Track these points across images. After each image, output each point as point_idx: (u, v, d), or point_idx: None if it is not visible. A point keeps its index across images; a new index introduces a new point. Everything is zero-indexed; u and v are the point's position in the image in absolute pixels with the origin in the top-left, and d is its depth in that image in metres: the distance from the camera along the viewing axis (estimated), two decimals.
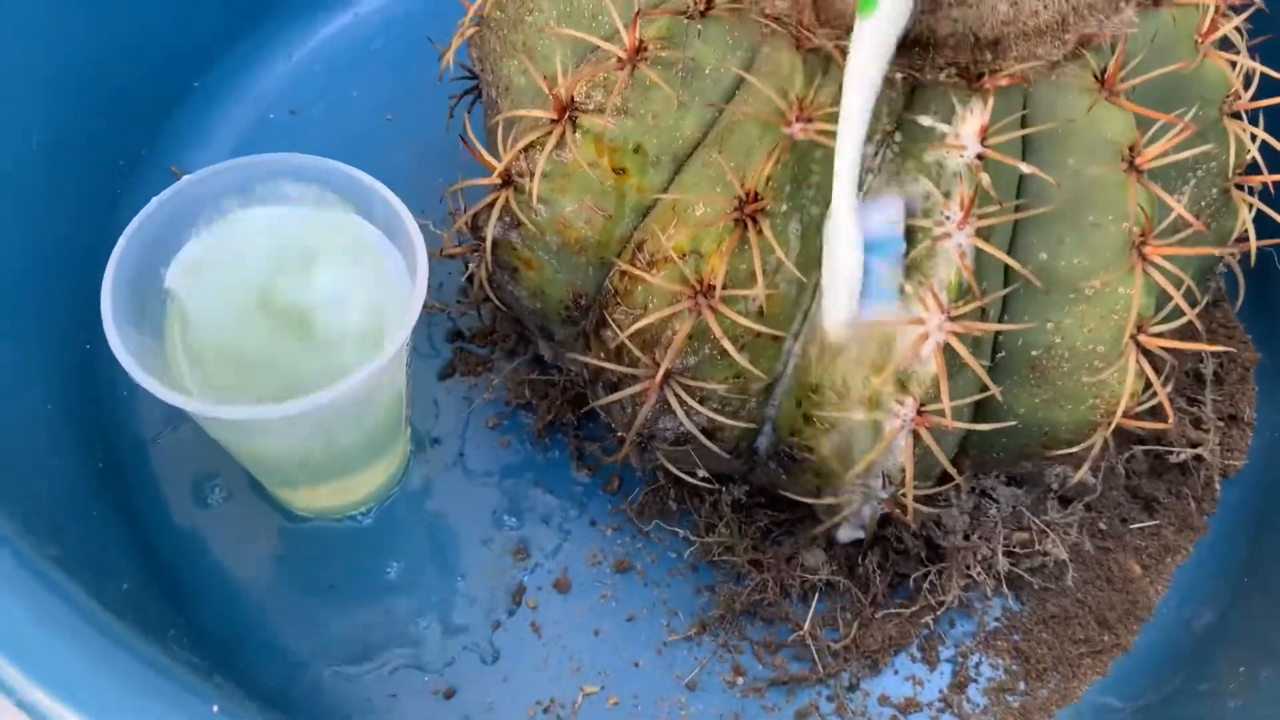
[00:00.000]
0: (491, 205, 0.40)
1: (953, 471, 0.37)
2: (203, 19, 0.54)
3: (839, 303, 0.34)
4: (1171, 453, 0.47)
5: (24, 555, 0.28)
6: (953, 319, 0.33)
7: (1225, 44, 0.38)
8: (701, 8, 0.34)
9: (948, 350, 0.34)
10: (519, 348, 0.50)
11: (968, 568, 0.42)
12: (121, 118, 0.51)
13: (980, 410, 0.38)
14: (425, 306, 0.49)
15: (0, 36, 0.44)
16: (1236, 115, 0.37)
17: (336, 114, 0.56)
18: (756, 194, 0.34)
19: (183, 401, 0.35)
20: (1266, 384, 0.49)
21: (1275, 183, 0.39)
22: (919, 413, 0.35)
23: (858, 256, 0.33)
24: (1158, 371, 0.37)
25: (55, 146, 0.47)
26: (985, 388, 0.36)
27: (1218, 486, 0.48)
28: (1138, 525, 0.47)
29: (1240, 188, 0.39)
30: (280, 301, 0.39)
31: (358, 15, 0.59)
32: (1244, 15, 0.38)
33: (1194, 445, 0.47)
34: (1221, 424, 0.49)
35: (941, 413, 0.34)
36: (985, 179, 0.32)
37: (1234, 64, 0.37)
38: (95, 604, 0.28)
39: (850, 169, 0.32)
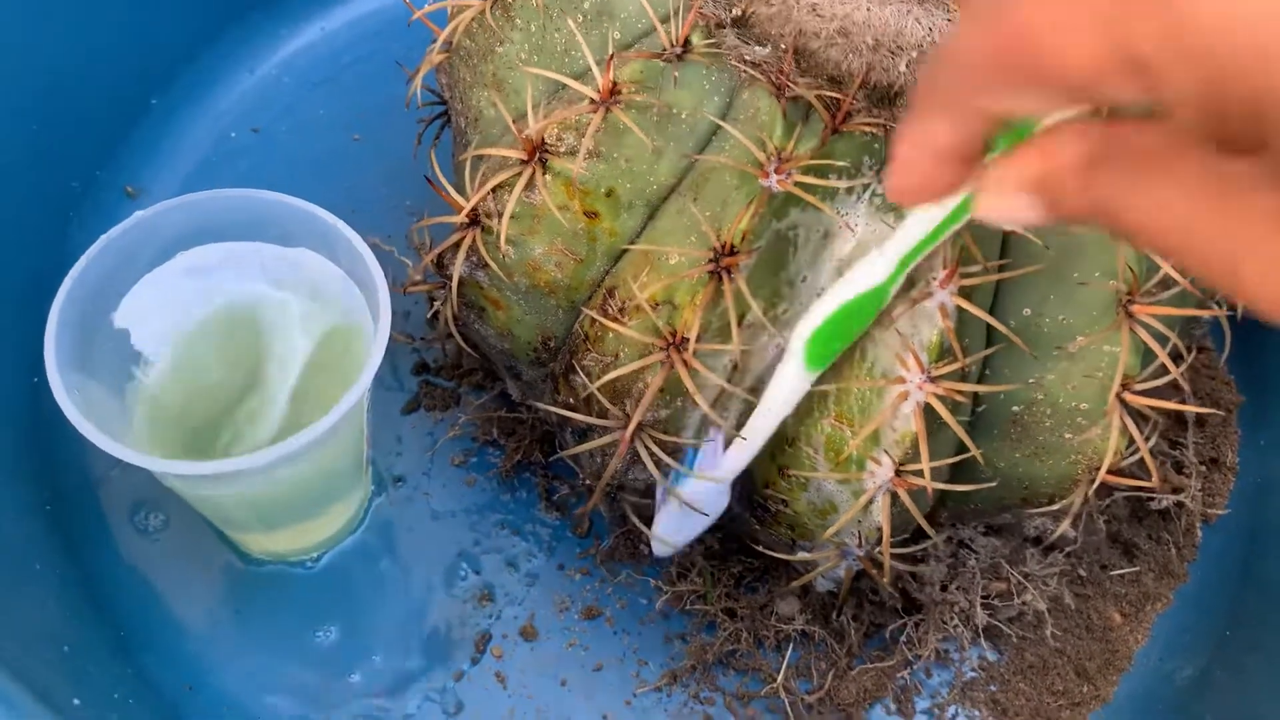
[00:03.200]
0: (458, 244, 0.38)
1: (930, 532, 0.36)
2: (161, 32, 0.51)
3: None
4: (1153, 498, 0.46)
5: None
6: (933, 379, 0.32)
7: None
8: (678, 51, 0.33)
9: (928, 410, 0.33)
10: (487, 383, 0.48)
11: (945, 620, 0.41)
12: (74, 137, 0.48)
13: (959, 466, 0.37)
14: (390, 338, 0.48)
15: None
16: None
17: (302, 133, 0.54)
18: (733, 247, 0.32)
19: (125, 454, 0.33)
20: (1249, 427, 0.49)
21: None
22: (897, 474, 0.34)
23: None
24: (1141, 426, 0.36)
25: (4, 167, 0.45)
26: (964, 446, 0.35)
27: (1199, 533, 0.47)
28: (1118, 571, 0.46)
29: None
30: (235, 345, 0.37)
31: (325, 30, 0.57)
32: None
33: (1176, 491, 0.46)
34: (1203, 468, 0.48)
35: (920, 473, 0.33)
36: (970, 243, 0.31)
37: None
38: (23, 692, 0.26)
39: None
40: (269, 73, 0.55)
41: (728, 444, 0.35)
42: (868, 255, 0.31)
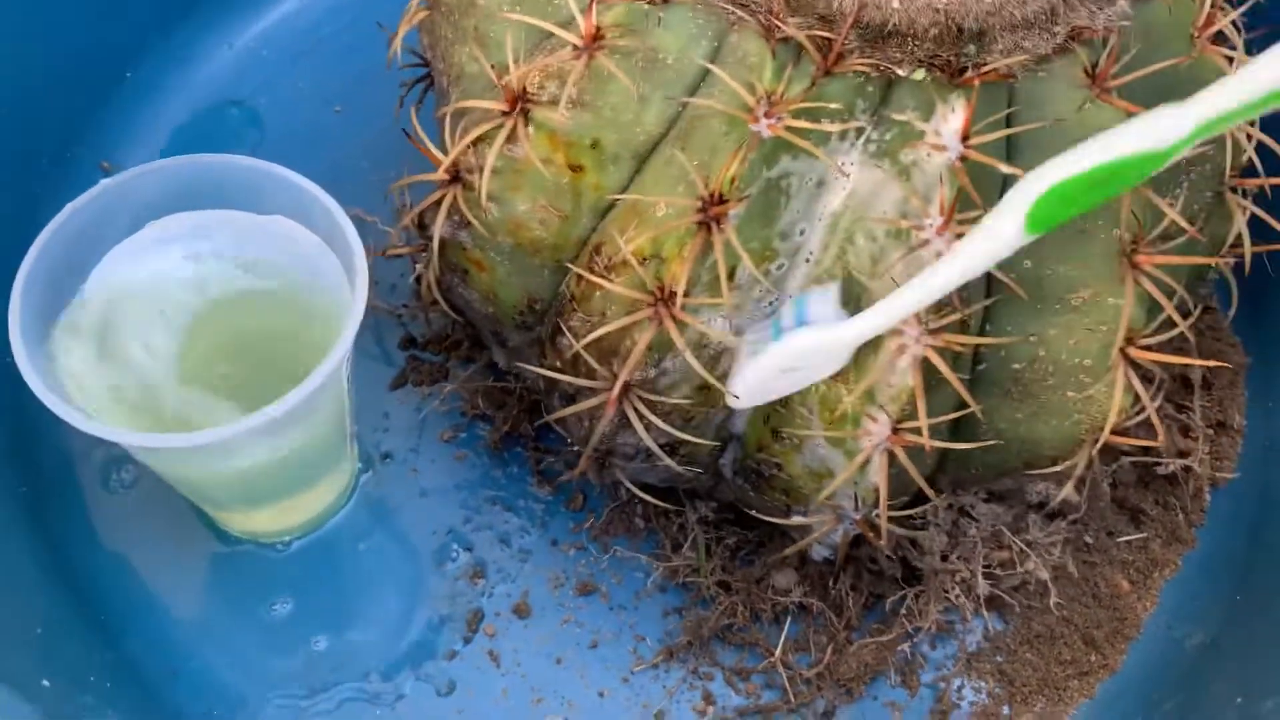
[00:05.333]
0: (439, 203, 0.37)
1: (930, 494, 0.35)
2: (136, 3, 0.50)
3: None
4: (1160, 463, 0.45)
5: None
6: (932, 332, 0.31)
7: (1220, 39, 0.35)
8: None
9: (926, 365, 0.31)
10: (474, 354, 0.47)
11: (946, 590, 0.40)
12: (46, 112, 0.47)
13: (959, 426, 0.35)
14: (374, 310, 0.47)
15: None
16: None
17: (282, 105, 0.53)
18: (721, 195, 0.31)
19: (93, 428, 0.32)
20: (1257, 389, 0.47)
21: (1271, 186, 0.37)
22: (894, 431, 0.32)
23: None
24: (1147, 384, 0.35)
25: None
26: (964, 404, 0.34)
27: (1207, 497, 0.46)
28: (1124, 538, 0.45)
29: (1235, 191, 0.37)
30: (210, 316, 0.36)
31: (304, 0, 0.55)
32: (1242, 8, 0.36)
33: (1183, 455, 0.45)
34: (1210, 431, 0.47)
35: (918, 431, 0.32)
36: (969, 187, 0.30)
37: (1231, 59, 0.34)
38: None
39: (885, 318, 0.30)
40: (248, 45, 0.54)
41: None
42: (1154, 110, 0.25)
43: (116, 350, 0.36)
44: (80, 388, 0.35)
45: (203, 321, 0.37)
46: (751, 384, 0.33)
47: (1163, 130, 0.25)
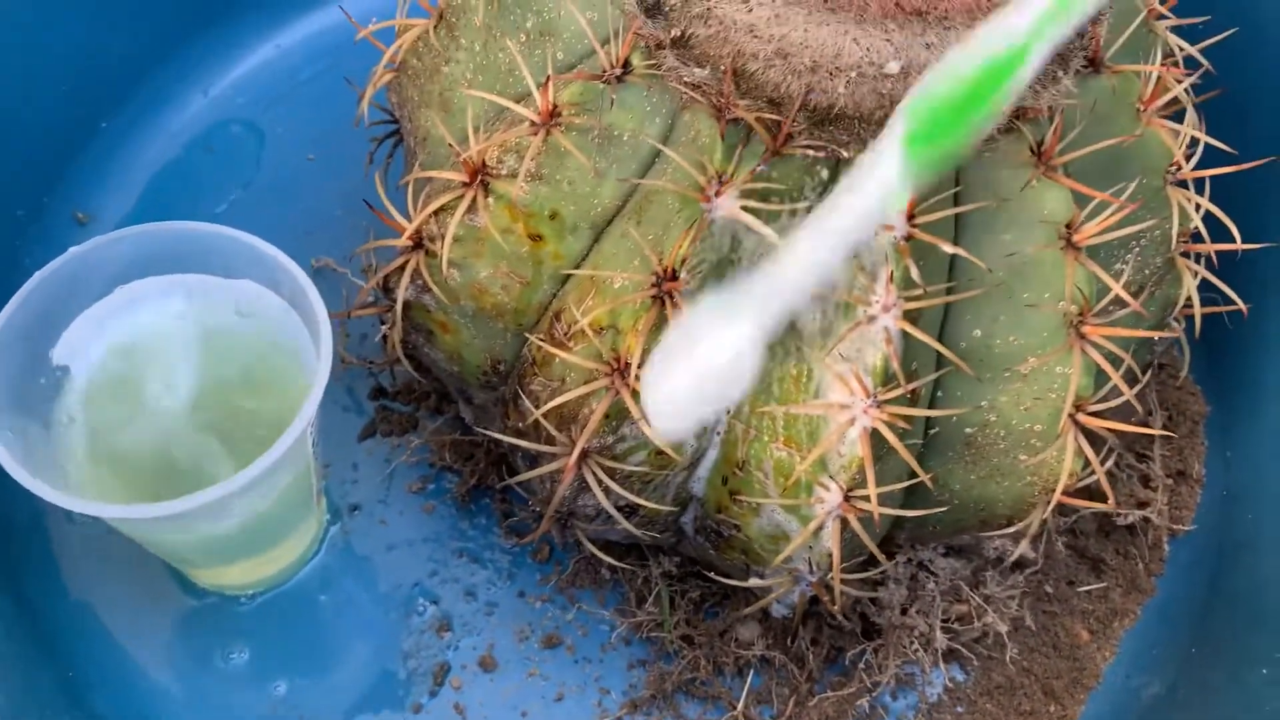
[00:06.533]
0: (403, 268, 0.37)
1: (882, 559, 0.35)
2: (111, 54, 0.51)
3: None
4: (1119, 514, 0.46)
5: None
6: (880, 405, 0.32)
7: (1168, 105, 0.36)
8: (618, 73, 0.32)
9: (875, 435, 0.32)
10: (443, 406, 0.47)
11: (904, 645, 0.41)
12: (20, 163, 0.48)
13: (913, 489, 0.36)
14: (344, 362, 0.47)
15: None
16: (1181, 183, 0.36)
17: (257, 153, 0.53)
18: (674, 271, 0.32)
19: (59, 498, 0.32)
20: (1215, 438, 0.48)
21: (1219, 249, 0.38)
22: (846, 499, 0.33)
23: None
24: (1098, 447, 0.36)
25: None
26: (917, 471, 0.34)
27: (1166, 547, 0.46)
28: (1085, 588, 0.45)
29: (1186, 254, 0.38)
30: (178, 381, 0.37)
31: (280, 48, 0.56)
32: (1192, 78, 0.37)
33: (1142, 505, 0.46)
34: (1170, 481, 0.47)
35: (868, 498, 0.33)
36: (911, 267, 0.30)
37: (1177, 133, 0.35)
38: None
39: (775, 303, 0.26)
40: (223, 93, 0.54)
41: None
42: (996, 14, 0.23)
43: (83, 415, 0.37)
44: (48, 452, 0.36)
45: (171, 384, 0.37)
46: (668, 404, 0.27)
47: (1006, 29, 0.24)
